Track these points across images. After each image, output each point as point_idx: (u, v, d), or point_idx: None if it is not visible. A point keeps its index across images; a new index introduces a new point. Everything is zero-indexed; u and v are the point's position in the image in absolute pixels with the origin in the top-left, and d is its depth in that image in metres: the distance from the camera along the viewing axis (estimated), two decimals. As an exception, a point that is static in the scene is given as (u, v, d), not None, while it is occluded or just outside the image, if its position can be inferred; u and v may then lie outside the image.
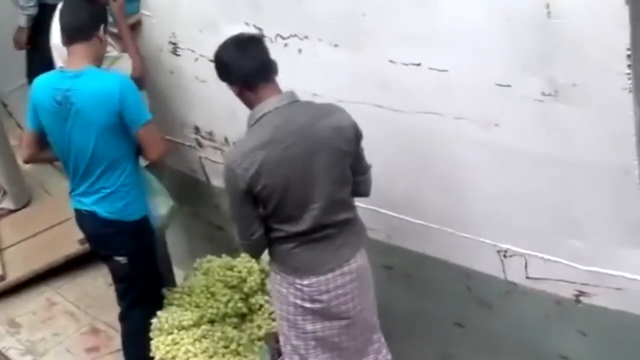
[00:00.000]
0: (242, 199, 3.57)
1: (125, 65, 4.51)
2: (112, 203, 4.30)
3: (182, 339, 4.32)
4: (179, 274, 5.13)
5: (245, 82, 3.58)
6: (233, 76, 3.61)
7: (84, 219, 4.46)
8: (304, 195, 3.56)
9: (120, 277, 4.59)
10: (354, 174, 3.70)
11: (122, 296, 4.66)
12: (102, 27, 4.15)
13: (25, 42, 6.33)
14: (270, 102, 3.55)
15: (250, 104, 3.62)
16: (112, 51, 4.59)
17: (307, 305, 3.71)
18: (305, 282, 3.68)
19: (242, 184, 3.51)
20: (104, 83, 4.09)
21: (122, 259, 4.43)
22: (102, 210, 4.33)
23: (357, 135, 3.63)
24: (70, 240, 6.03)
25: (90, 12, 4.19)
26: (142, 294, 4.55)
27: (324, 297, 3.70)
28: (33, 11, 6.12)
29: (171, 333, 4.35)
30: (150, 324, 4.46)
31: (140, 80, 4.57)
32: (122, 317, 4.72)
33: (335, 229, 3.66)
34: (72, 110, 4.12)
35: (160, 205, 4.61)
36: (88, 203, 4.35)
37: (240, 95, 3.64)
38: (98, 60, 4.20)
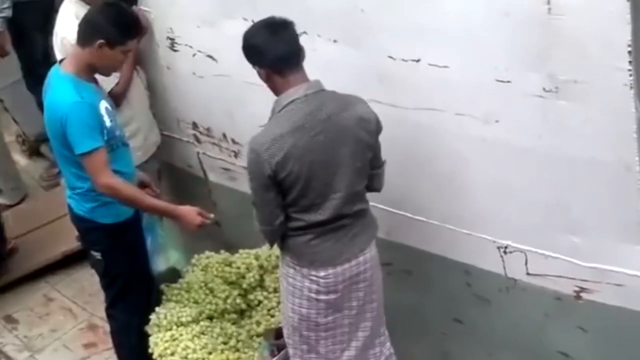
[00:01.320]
0: (266, 184, 3.56)
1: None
2: (82, 202, 4.28)
3: (181, 335, 4.31)
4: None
5: (276, 66, 3.56)
6: (264, 59, 3.58)
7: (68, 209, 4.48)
8: (327, 184, 3.57)
9: (98, 273, 4.59)
10: (371, 167, 3.72)
11: (104, 292, 4.66)
12: (99, 42, 3.96)
13: (6, 45, 6.22)
14: (300, 89, 3.54)
15: (277, 90, 3.60)
16: None
17: (322, 297, 3.73)
18: (322, 273, 3.69)
19: (268, 169, 3.50)
20: (58, 100, 4.02)
21: (97, 255, 4.41)
22: (74, 206, 4.34)
23: (378, 128, 3.65)
24: (68, 236, 6.00)
25: (86, 20, 4.12)
26: (122, 292, 4.52)
27: (340, 286, 3.72)
28: (8, 13, 6.00)
29: (170, 329, 4.34)
30: (137, 323, 4.46)
31: (120, 96, 4.56)
32: (107, 314, 4.73)
33: (350, 219, 3.69)
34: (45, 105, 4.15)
35: (159, 263, 4.60)
36: (67, 195, 4.38)
37: (268, 79, 3.61)
38: (90, 69, 4.09)
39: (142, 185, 4.40)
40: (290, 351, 3.96)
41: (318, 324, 3.79)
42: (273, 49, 3.54)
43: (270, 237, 3.82)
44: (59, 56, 4.54)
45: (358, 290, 3.77)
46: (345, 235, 3.69)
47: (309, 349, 3.86)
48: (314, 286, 3.72)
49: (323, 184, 3.56)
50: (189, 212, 4.22)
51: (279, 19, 3.61)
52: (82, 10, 4.38)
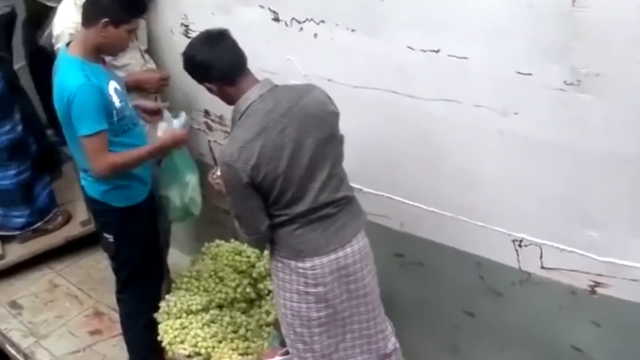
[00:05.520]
0: (246, 192, 3.56)
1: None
2: (95, 185, 4.29)
3: (191, 323, 4.32)
4: (185, 259, 5.11)
5: (225, 77, 3.57)
6: (211, 74, 3.58)
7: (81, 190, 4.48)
8: (304, 174, 3.56)
9: (110, 256, 4.59)
10: None
11: (115, 275, 4.66)
12: (103, 21, 3.98)
13: None
14: (253, 92, 3.55)
15: (231, 99, 3.62)
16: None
17: (311, 290, 3.70)
18: (308, 264, 3.66)
19: (245, 177, 3.49)
20: (64, 82, 4.01)
21: (109, 237, 4.41)
22: (87, 187, 4.35)
23: (336, 108, 3.64)
24: (72, 222, 6.03)
25: (91, 0, 4.11)
26: (133, 276, 4.52)
27: (328, 279, 3.68)
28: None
29: (180, 317, 4.35)
30: (147, 308, 4.47)
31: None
32: (117, 299, 4.73)
33: (335, 208, 3.66)
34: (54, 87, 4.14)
35: (174, 194, 4.52)
36: (80, 176, 4.39)
37: (221, 92, 3.63)
38: (96, 50, 4.09)
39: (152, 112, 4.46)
40: (290, 350, 3.94)
41: (310, 319, 3.76)
42: (218, 62, 3.55)
43: (259, 244, 3.83)
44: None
45: (348, 283, 3.73)
46: (332, 226, 3.67)
47: (304, 347, 3.84)
48: (302, 279, 3.69)
49: (301, 175, 3.55)
50: (172, 132, 4.30)
51: (214, 31, 3.62)
52: None
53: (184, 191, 4.50)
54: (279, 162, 3.50)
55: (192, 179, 4.51)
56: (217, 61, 3.54)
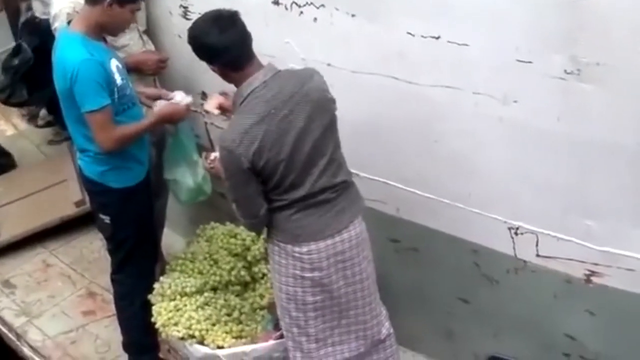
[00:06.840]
0: (246, 178, 3.54)
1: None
2: (93, 166, 4.26)
3: (185, 305, 4.30)
4: (180, 241, 5.10)
5: (232, 62, 3.54)
6: (218, 59, 3.56)
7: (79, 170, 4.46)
8: (307, 160, 3.55)
9: (105, 237, 4.57)
10: None
11: (111, 256, 4.64)
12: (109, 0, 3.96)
13: None
14: (257, 78, 3.53)
15: (234, 82, 3.60)
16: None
17: (307, 274, 3.69)
18: (305, 249, 3.66)
19: (246, 162, 3.48)
20: (67, 58, 3.98)
21: (105, 218, 4.39)
22: (84, 168, 4.32)
23: (331, 94, 3.64)
24: (66, 202, 6.01)
25: None
26: (129, 256, 4.50)
27: (324, 264, 3.68)
28: None
29: (174, 299, 4.33)
30: (143, 288, 4.45)
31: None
32: (112, 280, 4.70)
33: (334, 193, 3.65)
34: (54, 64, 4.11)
35: (186, 174, 4.50)
36: (77, 157, 4.36)
37: (223, 74, 3.61)
38: (98, 28, 4.06)
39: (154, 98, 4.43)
40: (284, 334, 3.95)
41: (306, 303, 3.76)
42: (226, 48, 3.51)
43: (257, 228, 3.82)
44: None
45: (345, 269, 3.73)
46: (329, 211, 3.66)
47: (299, 331, 3.84)
48: (298, 263, 3.69)
49: (302, 161, 3.54)
50: (169, 105, 4.31)
51: (225, 13, 3.56)
52: None
53: (195, 170, 4.48)
54: (282, 148, 3.49)
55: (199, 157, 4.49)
56: (225, 48, 3.50)
